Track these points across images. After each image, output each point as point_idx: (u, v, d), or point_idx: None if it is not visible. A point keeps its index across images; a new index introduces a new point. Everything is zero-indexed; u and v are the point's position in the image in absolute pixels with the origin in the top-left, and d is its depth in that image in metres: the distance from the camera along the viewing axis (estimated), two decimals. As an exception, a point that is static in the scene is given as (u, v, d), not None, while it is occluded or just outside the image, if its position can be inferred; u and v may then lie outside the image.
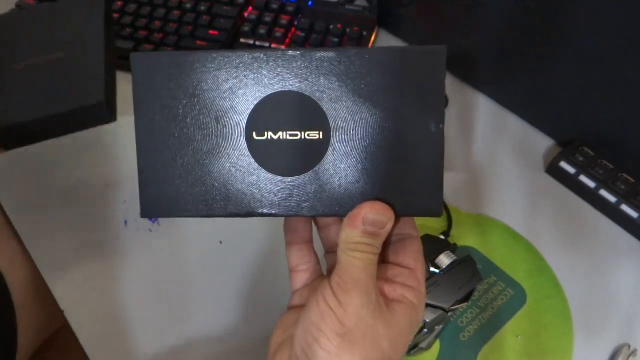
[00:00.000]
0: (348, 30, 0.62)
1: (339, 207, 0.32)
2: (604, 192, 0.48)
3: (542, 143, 0.55)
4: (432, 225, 0.49)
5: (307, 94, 0.32)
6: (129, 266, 0.48)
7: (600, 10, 0.43)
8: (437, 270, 0.41)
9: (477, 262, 0.44)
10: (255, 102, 0.32)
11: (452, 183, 0.52)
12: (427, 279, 0.40)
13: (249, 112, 0.32)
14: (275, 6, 0.64)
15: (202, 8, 0.64)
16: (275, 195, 0.32)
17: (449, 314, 0.40)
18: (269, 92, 0.32)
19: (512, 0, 0.48)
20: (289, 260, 0.36)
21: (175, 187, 0.33)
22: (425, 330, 0.39)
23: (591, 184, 0.49)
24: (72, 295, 0.47)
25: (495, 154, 0.54)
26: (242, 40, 0.63)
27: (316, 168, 0.32)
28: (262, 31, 0.61)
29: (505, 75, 0.55)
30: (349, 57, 0.32)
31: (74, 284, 0.48)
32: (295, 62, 0.32)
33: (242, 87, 0.32)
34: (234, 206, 0.33)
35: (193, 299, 0.47)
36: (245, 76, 0.32)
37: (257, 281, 0.47)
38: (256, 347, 0.44)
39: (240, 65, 0.32)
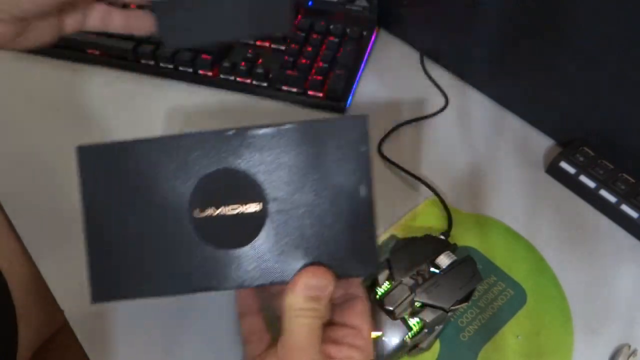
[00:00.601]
0: (348, 30, 0.62)
1: (281, 275, 0.33)
2: (604, 192, 0.48)
3: (542, 143, 0.55)
4: (432, 225, 0.49)
5: (243, 169, 0.34)
6: (129, 266, 0.48)
7: (601, 10, 0.43)
8: (437, 270, 0.41)
9: (477, 262, 0.44)
10: (196, 182, 0.34)
11: (452, 183, 0.52)
12: (427, 279, 0.40)
13: (190, 191, 0.34)
14: (275, 6, 0.64)
15: (202, 8, 0.64)
16: (221, 270, 0.34)
17: (449, 314, 0.40)
18: (208, 171, 0.34)
19: (512, 0, 0.48)
20: (241, 331, 0.36)
21: (124, 272, 0.34)
22: (425, 330, 0.39)
23: (591, 184, 0.49)
24: (72, 295, 0.47)
25: (495, 154, 0.54)
26: (242, 40, 0.63)
27: (257, 238, 0.34)
28: (262, 31, 0.61)
29: (505, 75, 0.55)
30: (279, 131, 0.34)
31: (74, 284, 0.48)
32: (231, 141, 0.34)
33: (182, 168, 0.34)
34: (182, 285, 0.34)
35: (193, 296, 0.47)
36: (185, 158, 0.34)
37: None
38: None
39: (180, 148, 0.34)
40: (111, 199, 0.34)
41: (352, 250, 0.33)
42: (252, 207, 0.34)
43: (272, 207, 0.34)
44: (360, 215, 0.33)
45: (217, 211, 0.34)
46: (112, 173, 0.34)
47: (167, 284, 0.34)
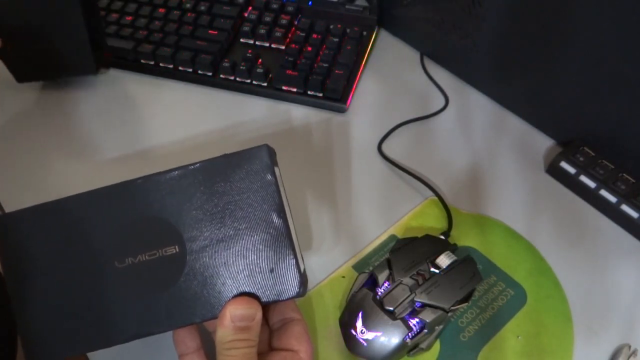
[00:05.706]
0: (348, 30, 0.62)
1: (210, 310, 0.34)
2: (604, 192, 0.48)
3: (542, 143, 0.55)
4: (432, 225, 0.49)
5: (156, 214, 0.34)
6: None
7: (601, 10, 0.43)
8: (437, 270, 0.41)
9: (477, 262, 0.44)
10: (111, 234, 0.34)
11: (452, 183, 0.52)
12: (427, 279, 0.40)
13: (107, 244, 0.34)
14: (275, 6, 0.64)
15: (202, 8, 0.64)
16: (151, 314, 0.34)
17: (449, 314, 0.40)
18: (122, 222, 0.34)
19: (512, 0, 0.48)
20: None
21: (56, 334, 0.34)
22: (425, 330, 0.39)
23: (591, 184, 0.49)
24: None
25: (495, 154, 0.54)
26: (242, 40, 0.63)
27: (181, 279, 0.34)
28: (262, 31, 0.61)
29: (505, 75, 0.55)
30: (185, 173, 0.34)
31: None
32: (139, 190, 0.34)
33: (96, 223, 0.34)
34: (114, 336, 0.34)
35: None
36: (97, 213, 0.34)
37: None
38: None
39: (90, 205, 0.35)
40: (34, 266, 0.35)
41: (275, 275, 0.34)
42: (170, 250, 0.34)
43: (191, 246, 0.34)
44: (278, 242, 0.34)
45: (136, 259, 0.34)
46: (30, 239, 0.35)
47: (99, 338, 0.34)
